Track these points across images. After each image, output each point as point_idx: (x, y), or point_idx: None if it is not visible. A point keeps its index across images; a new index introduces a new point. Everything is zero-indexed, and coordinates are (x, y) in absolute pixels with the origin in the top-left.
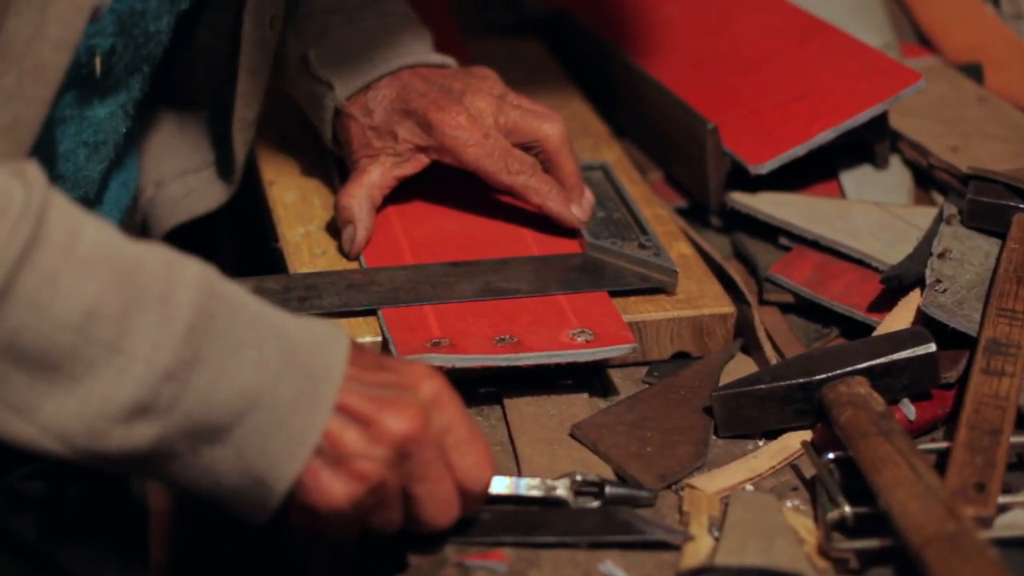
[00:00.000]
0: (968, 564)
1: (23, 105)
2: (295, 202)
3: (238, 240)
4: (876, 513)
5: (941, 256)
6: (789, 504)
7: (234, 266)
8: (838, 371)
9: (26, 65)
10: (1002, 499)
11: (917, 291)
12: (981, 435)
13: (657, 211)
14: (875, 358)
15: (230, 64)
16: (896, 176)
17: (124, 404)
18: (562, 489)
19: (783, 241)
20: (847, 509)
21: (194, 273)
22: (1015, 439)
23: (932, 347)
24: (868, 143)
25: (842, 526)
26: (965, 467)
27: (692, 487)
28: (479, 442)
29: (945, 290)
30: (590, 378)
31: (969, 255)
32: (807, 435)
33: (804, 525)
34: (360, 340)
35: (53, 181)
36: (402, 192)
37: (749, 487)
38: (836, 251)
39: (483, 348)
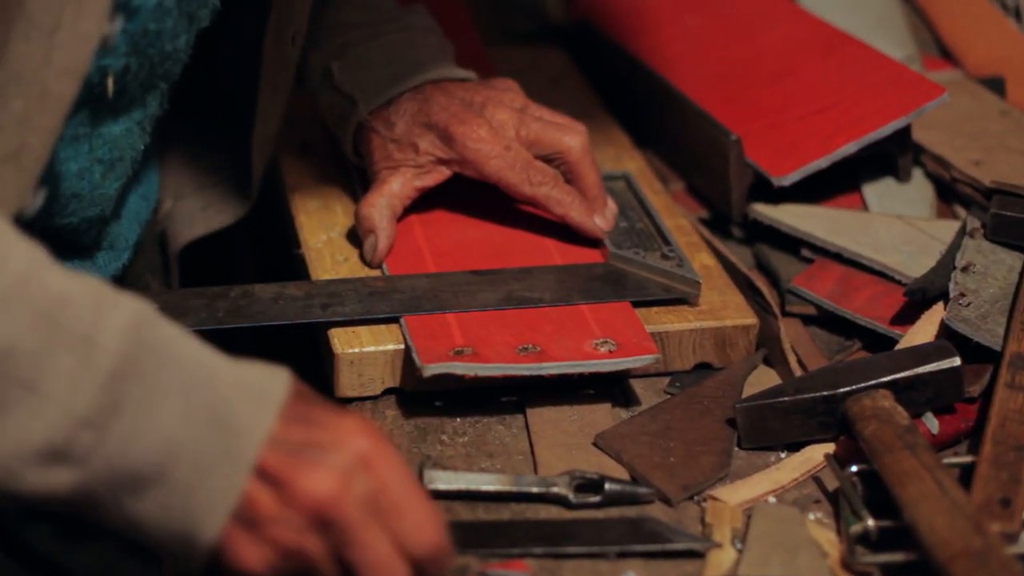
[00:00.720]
0: None
1: (29, 132)
2: (317, 209)
3: (258, 246)
4: (899, 527)
5: (964, 270)
6: (812, 517)
7: (254, 272)
8: (862, 384)
9: (33, 92)
10: None
11: (940, 304)
12: (1006, 450)
13: (679, 221)
14: (899, 371)
15: (251, 80)
16: (918, 189)
17: (37, 447)
18: (561, 486)
19: (805, 253)
20: (870, 522)
21: (123, 315)
22: None
23: (957, 361)
24: (891, 156)
25: (865, 539)
26: (990, 482)
27: (715, 499)
28: (417, 503)
29: (969, 304)
30: (612, 388)
31: (992, 269)
32: (829, 447)
33: (827, 538)
34: (382, 348)
35: (68, 200)
36: (424, 200)
37: (772, 499)
38: (858, 264)
39: (506, 357)
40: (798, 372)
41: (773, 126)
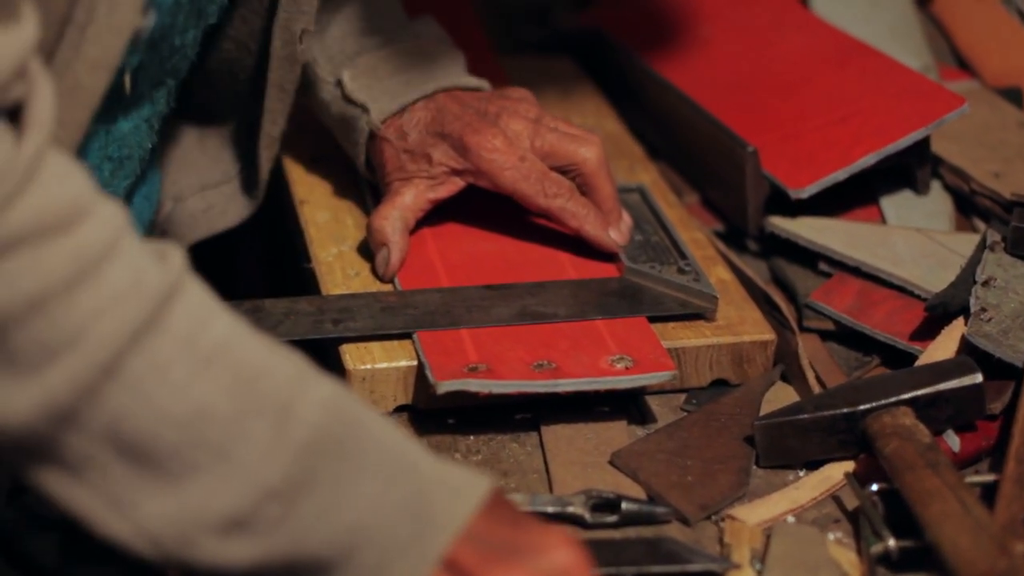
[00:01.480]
0: None
1: (58, 127)
2: (327, 222)
3: (265, 260)
4: (921, 547)
5: (985, 284)
6: (832, 536)
7: (261, 285)
8: (883, 401)
9: (63, 87)
10: None
11: (960, 320)
12: None
13: (695, 234)
14: (920, 388)
15: (257, 79)
16: (937, 202)
17: (221, 515)
18: (577, 505)
19: (822, 267)
20: (891, 542)
21: (324, 391)
22: None
23: (979, 377)
24: (909, 168)
25: (886, 560)
26: (1014, 501)
27: (733, 518)
28: None
29: (990, 319)
30: (627, 404)
31: (1014, 283)
32: (849, 466)
33: (847, 558)
34: (395, 365)
35: None
36: (437, 214)
37: (791, 519)
38: (877, 278)
39: (521, 374)
40: (816, 389)
41: (789, 137)
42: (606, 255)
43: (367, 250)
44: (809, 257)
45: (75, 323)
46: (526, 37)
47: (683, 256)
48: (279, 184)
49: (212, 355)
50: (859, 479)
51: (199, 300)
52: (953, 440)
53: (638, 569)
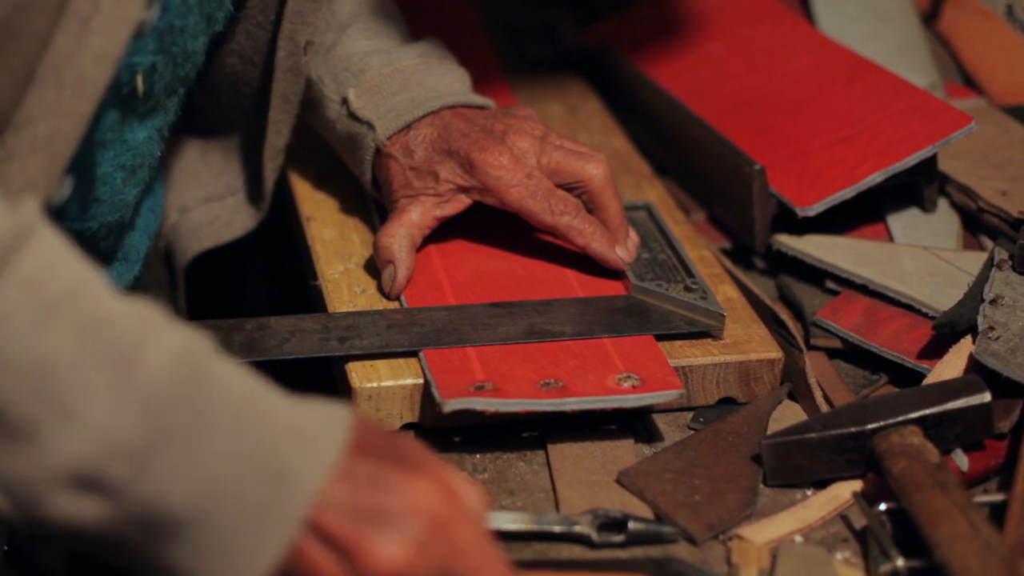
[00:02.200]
0: None
1: (61, 119)
2: (334, 239)
3: (272, 278)
4: (929, 567)
5: (993, 302)
6: (840, 556)
7: (266, 302)
8: (891, 420)
9: (67, 78)
10: None
11: (968, 338)
12: None
13: (702, 252)
14: (929, 407)
15: (261, 92)
16: (944, 220)
17: (66, 470)
18: (584, 525)
19: (830, 285)
20: (900, 562)
21: (172, 342)
22: None
23: (987, 396)
24: (916, 186)
25: None
26: (1023, 522)
27: (740, 538)
28: (497, 569)
29: (998, 337)
30: (634, 423)
31: (1022, 302)
32: (856, 485)
33: None
34: (401, 383)
35: (90, 203)
36: (443, 231)
37: (798, 538)
38: (884, 296)
39: (528, 392)
40: (824, 407)
41: (796, 155)
42: (613, 273)
43: (373, 267)
44: (816, 275)
45: None
46: (533, 54)
47: (690, 274)
48: (285, 201)
49: (58, 303)
50: (867, 498)
51: (51, 248)
52: (962, 459)
53: None
